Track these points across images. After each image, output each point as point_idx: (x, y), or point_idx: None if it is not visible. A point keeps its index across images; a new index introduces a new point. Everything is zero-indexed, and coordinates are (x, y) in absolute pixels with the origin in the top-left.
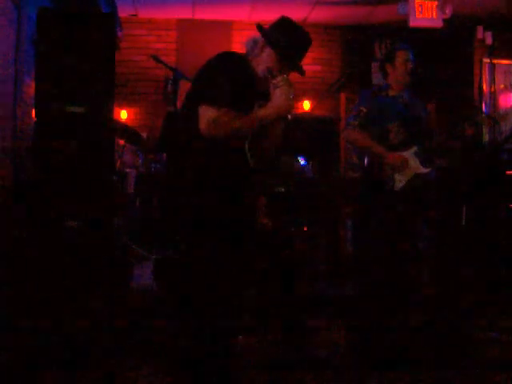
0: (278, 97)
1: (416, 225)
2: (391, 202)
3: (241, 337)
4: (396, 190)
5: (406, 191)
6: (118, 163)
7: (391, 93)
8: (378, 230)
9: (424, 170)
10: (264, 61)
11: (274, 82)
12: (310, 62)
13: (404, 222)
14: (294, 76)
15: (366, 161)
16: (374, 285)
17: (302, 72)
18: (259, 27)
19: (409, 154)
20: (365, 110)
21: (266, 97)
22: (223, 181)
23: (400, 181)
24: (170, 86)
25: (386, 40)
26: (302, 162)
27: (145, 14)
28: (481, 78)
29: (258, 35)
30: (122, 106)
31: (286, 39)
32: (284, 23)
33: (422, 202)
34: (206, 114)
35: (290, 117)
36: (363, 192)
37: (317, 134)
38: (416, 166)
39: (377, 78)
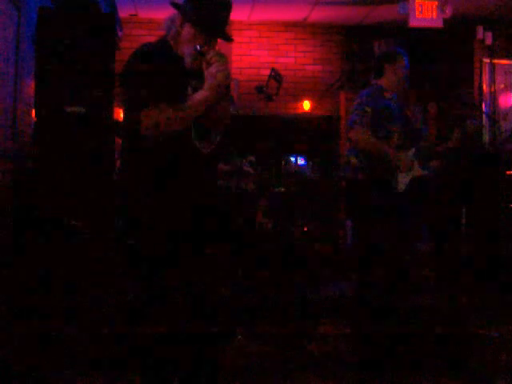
0: (214, 74)
1: (416, 225)
2: (394, 202)
3: (240, 337)
4: (399, 191)
5: (407, 192)
6: (118, 163)
7: (387, 95)
8: (379, 230)
9: (423, 172)
10: (186, 39)
11: (206, 59)
12: (310, 62)
13: (405, 223)
14: (294, 76)
15: (367, 161)
16: (374, 285)
17: (227, 38)
18: (173, 4)
19: (410, 156)
20: (369, 110)
21: (198, 75)
22: (173, 179)
23: (403, 182)
24: None
25: (386, 39)
26: (302, 161)
27: (145, 14)
28: (481, 78)
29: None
30: (122, 106)
31: (201, 11)
32: None
33: (423, 202)
34: (145, 120)
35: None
36: (364, 192)
37: (317, 134)
38: (417, 167)
39: None
